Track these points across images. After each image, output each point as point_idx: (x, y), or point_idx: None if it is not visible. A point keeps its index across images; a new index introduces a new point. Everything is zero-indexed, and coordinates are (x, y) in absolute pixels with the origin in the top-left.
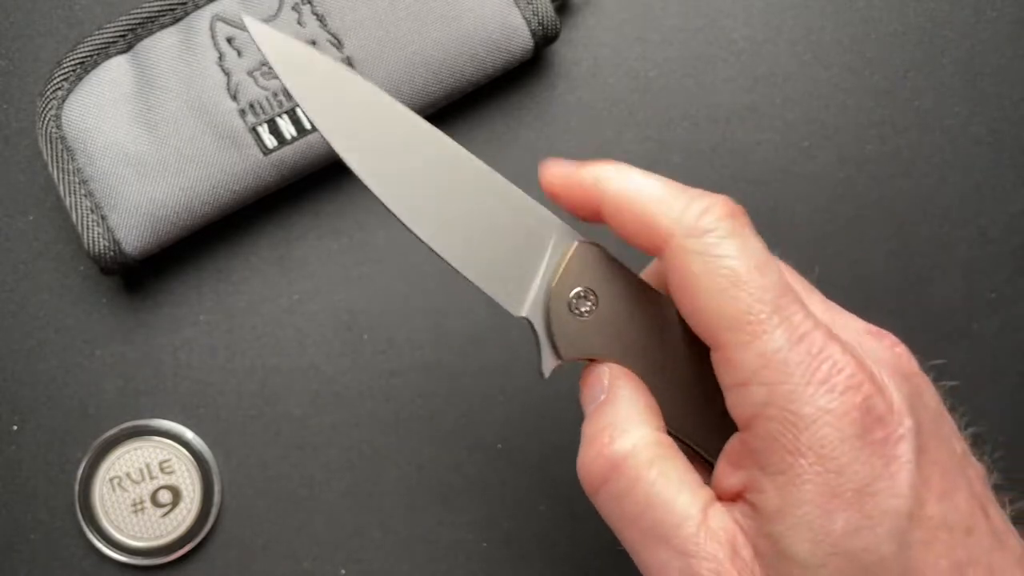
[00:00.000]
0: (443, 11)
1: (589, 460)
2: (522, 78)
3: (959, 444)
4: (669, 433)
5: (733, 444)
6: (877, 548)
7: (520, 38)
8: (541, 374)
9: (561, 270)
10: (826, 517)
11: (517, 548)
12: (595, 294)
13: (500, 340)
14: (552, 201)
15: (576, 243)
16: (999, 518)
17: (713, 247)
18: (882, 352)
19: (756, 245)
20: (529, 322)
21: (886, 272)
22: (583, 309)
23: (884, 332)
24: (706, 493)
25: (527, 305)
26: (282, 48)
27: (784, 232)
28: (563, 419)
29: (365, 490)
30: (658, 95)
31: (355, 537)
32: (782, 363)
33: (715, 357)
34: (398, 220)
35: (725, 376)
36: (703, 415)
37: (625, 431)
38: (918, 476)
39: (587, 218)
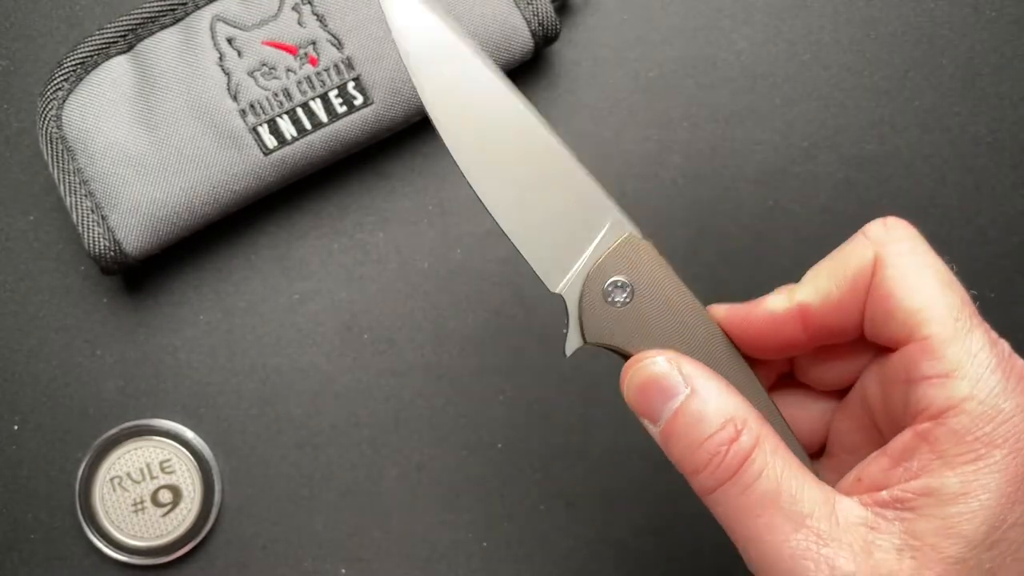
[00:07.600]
0: None
1: (708, 457)
2: (522, 78)
3: None
4: None
5: (902, 439)
6: None
7: (520, 38)
8: (564, 352)
9: (604, 256)
10: (1008, 505)
11: (517, 548)
12: (632, 287)
13: (500, 341)
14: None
15: (627, 234)
16: None
17: (922, 251)
18: None
19: None
20: (563, 299)
21: None
22: (617, 299)
23: None
24: (825, 487)
25: (564, 283)
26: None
27: (784, 232)
28: (563, 419)
29: (365, 490)
30: (658, 95)
31: (355, 537)
32: (985, 361)
33: (910, 350)
34: (460, 172)
35: (922, 368)
36: None
37: (746, 421)
38: None
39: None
